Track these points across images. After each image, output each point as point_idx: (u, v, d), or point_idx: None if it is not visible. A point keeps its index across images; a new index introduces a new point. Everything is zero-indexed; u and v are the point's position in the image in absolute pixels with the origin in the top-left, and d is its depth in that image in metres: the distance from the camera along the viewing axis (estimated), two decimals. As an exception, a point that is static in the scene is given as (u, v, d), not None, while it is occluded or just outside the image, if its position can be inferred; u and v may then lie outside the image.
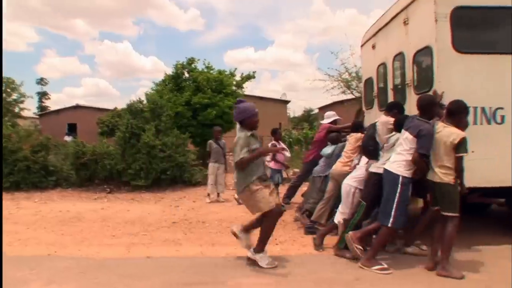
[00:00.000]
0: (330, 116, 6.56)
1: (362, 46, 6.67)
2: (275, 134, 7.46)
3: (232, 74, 15.05)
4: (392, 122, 4.15)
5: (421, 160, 3.59)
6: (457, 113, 3.63)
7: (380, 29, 5.72)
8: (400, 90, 5.27)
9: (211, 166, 7.99)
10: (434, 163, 3.62)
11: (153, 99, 11.01)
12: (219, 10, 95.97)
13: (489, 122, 4.26)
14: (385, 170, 3.79)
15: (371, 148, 4.28)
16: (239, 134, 3.94)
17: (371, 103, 6.37)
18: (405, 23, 4.86)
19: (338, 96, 14.95)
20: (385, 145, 4.11)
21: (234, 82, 14.93)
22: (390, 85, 5.53)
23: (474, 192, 4.22)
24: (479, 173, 4.07)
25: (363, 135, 4.72)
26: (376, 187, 3.94)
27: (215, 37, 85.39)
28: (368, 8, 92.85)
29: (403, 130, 3.78)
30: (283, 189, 7.45)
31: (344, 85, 14.27)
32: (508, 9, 4.28)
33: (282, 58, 78.89)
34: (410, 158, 3.62)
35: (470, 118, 4.06)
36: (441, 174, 3.56)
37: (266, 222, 3.88)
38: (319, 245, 4.47)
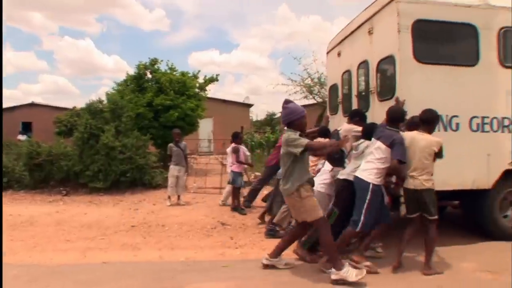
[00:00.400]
0: None
1: (328, 53, 6.94)
2: (236, 138, 7.57)
3: (195, 76, 15.03)
4: (357, 129, 4.35)
5: (401, 166, 3.79)
6: (431, 122, 3.92)
7: (345, 37, 5.98)
8: (364, 97, 5.54)
9: (172, 168, 7.99)
10: (410, 171, 3.83)
11: (114, 99, 10.75)
12: (185, 11, 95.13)
13: (445, 129, 4.60)
14: (356, 177, 3.94)
15: (337, 156, 4.44)
16: (288, 133, 3.82)
17: (336, 109, 6.63)
18: (370, 32, 5.14)
19: (300, 101, 15.36)
20: (353, 152, 4.25)
21: (197, 85, 14.92)
22: (354, 92, 5.79)
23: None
24: (438, 177, 4.36)
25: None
26: (348, 193, 4.08)
27: (180, 38, 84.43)
28: (332, 16, 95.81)
29: (373, 139, 3.96)
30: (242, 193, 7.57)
31: (306, 90, 14.66)
32: (465, 25, 4.67)
33: (246, 61, 79.41)
34: (381, 166, 3.80)
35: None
36: (423, 181, 3.78)
37: (322, 235, 3.67)
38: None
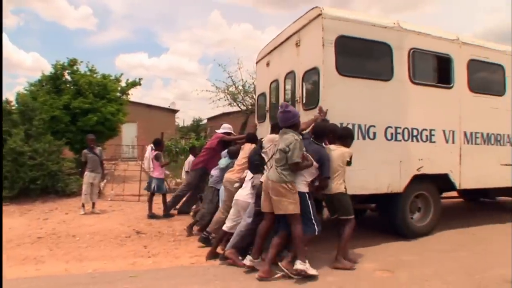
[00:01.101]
0: (225, 128, 6.95)
1: (257, 62, 7.27)
2: (159, 145, 7.67)
3: (118, 80, 14.63)
4: None
5: (327, 182, 4.20)
6: (348, 138, 4.51)
7: (274, 48, 6.34)
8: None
9: (87, 175, 7.82)
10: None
11: (24, 101, 10.05)
12: (113, 11, 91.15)
13: (364, 138, 5.10)
14: None
15: (257, 163, 4.67)
16: (290, 136, 3.97)
17: (264, 117, 6.94)
18: (297, 45, 5.53)
19: (224, 108, 15.71)
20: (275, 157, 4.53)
21: (119, 88, 14.51)
22: (281, 101, 6.12)
23: (353, 199, 4.92)
24: (357, 182, 4.84)
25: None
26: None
27: (107, 38, 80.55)
28: (263, 25, 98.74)
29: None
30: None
31: (231, 97, 15.01)
32: (381, 43, 5.25)
33: (176, 66, 78.35)
34: (308, 178, 4.13)
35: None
36: (337, 185, 4.27)
37: (297, 229, 3.94)
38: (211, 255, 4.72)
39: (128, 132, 21.30)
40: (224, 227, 4.80)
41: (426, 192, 5.69)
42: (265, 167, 4.57)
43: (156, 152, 7.48)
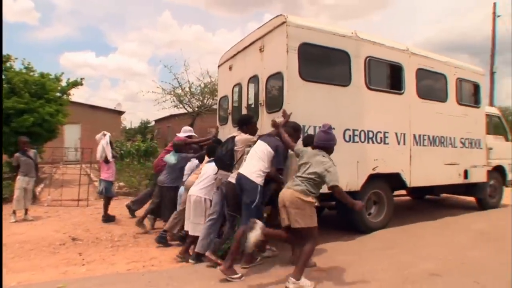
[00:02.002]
0: (186, 131, 7.20)
1: (219, 66, 7.59)
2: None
3: (58, 79, 14.23)
4: (252, 140, 4.98)
5: (279, 172, 4.52)
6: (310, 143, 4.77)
7: (238, 52, 6.69)
8: (253, 109, 6.27)
9: (20, 180, 7.68)
10: (288, 178, 4.55)
11: None
12: (57, 6, 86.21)
13: (325, 139, 5.60)
14: (245, 177, 4.44)
15: (228, 163, 4.95)
16: (327, 159, 4.01)
17: (225, 119, 7.27)
18: (261, 50, 5.91)
19: (170, 110, 15.83)
20: (244, 156, 4.90)
21: (59, 88, 14.12)
22: (244, 104, 6.50)
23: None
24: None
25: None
26: (237, 195, 4.62)
27: (51, 35, 76.13)
28: (214, 27, 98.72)
29: (261, 142, 4.63)
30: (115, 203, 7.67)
31: (177, 99, 15.17)
32: (340, 51, 5.81)
33: (124, 66, 75.93)
34: (264, 169, 4.44)
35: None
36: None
37: (311, 244, 3.88)
38: (183, 257, 4.95)
39: (71, 134, 20.83)
40: (190, 232, 5.02)
41: (381, 190, 6.35)
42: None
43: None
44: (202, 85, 15.81)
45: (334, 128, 4.66)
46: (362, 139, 5.98)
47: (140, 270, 4.63)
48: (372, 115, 6.09)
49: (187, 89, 15.58)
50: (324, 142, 4.15)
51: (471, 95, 7.98)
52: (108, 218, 7.31)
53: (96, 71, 75.03)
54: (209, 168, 5.20)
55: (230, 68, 7.03)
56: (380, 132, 6.20)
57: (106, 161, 7.47)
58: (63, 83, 14.37)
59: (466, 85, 7.81)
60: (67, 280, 4.21)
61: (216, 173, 5.02)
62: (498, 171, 8.87)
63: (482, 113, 8.23)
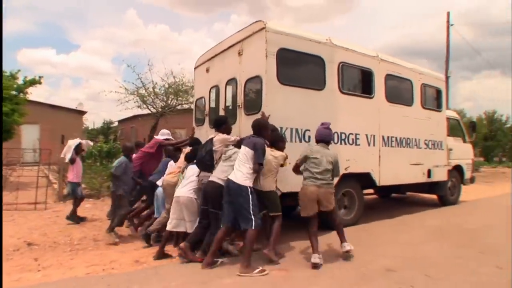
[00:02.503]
0: (164, 134, 7.46)
1: (195, 68, 7.82)
2: (77, 149, 7.79)
3: (14, 77, 13.89)
4: (231, 140, 5.27)
5: (258, 167, 4.79)
6: (278, 142, 5.21)
7: (215, 55, 6.96)
8: (231, 111, 6.55)
9: None
10: (262, 177, 4.92)
11: None
12: None
13: (300, 141, 5.96)
14: (232, 181, 4.68)
15: (209, 163, 5.22)
16: (333, 152, 5.13)
17: (202, 120, 7.52)
18: (240, 54, 6.21)
19: (133, 110, 15.79)
20: (222, 155, 5.17)
21: (15, 86, 13.79)
22: (222, 106, 6.77)
23: (289, 196, 5.68)
24: (294, 181, 5.64)
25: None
26: (219, 193, 4.87)
27: (5, 29, 72.17)
28: (180, 27, 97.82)
29: (242, 146, 4.91)
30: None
31: (140, 99, 15.15)
32: (316, 56, 6.21)
33: (87, 65, 73.66)
34: (250, 171, 4.71)
35: (288, 137, 5.68)
36: (270, 184, 4.96)
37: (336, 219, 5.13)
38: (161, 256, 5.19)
39: (29, 134, 20.25)
40: (169, 227, 5.25)
41: (352, 189, 6.80)
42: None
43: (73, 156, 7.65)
44: (167, 86, 15.88)
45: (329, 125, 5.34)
46: (336, 141, 6.38)
47: (99, 273, 4.59)
48: (345, 118, 6.52)
49: (150, 89, 15.58)
50: (326, 137, 5.14)
51: (434, 99, 8.65)
52: (74, 218, 7.39)
53: (57, 69, 72.80)
54: (192, 170, 5.43)
55: (207, 70, 7.28)
56: (352, 133, 6.66)
57: (71, 162, 7.58)
58: (20, 81, 14.02)
59: (429, 90, 8.46)
60: (20, 287, 4.13)
61: (198, 175, 5.28)
62: (457, 170, 9.66)
63: (444, 117, 8.91)
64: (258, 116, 5.57)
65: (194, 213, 5.21)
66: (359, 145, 6.77)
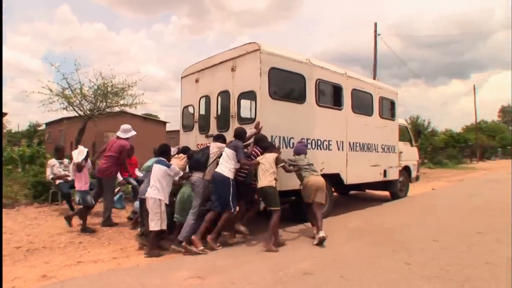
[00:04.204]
0: (127, 131, 8.00)
1: (183, 77, 8.92)
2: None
3: None
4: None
5: (246, 162, 6.15)
6: (270, 148, 6.48)
7: (206, 68, 8.13)
8: (223, 119, 7.74)
9: None
10: (262, 175, 6.23)
11: None
12: None
13: (286, 147, 7.34)
14: (219, 173, 6.04)
15: (204, 164, 6.44)
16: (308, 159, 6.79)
17: (191, 127, 8.65)
18: (233, 69, 7.44)
19: (57, 112, 14.99)
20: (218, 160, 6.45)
21: None
22: (214, 115, 7.95)
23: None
24: (280, 181, 6.99)
25: (186, 156, 6.74)
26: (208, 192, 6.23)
27: None
28: (118, 27, 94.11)
29: (226, 148, 6.25)
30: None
31: (66, 101, 14.44)
32: (298, 74, 7.63)
33: (14, 62, 68.47)
34: (232, 166, 6.06)
35: (277, 144, 7.04)
36: (268, 180, 6.21)
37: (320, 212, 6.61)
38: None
39: None
40: (153, 228, 5.80)
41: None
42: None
43: (78, 161, 7.29)
44: (95, 87, 15.10)
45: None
46: (313, 146, 7.89)
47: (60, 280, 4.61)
48: (320, 127, 8.04)
49: (78, 90, 14.76)
50: (303, 151, 6.91)
51: (389, 110, 10.56)
52: (88, 229, 7.23)
53: (-22, 65, 66.63)
54: (159, 169, 6.07)
55: (197, 80, 8.41)
56: (326, 140, 8.20)
57: (80, 169, 7.33)
58: None
59: (385, 102, 10.35)
60: None
61: (191, 175, 6.42)
62: (405, 170, 11.81)
63: (396, 124, 10.92)
64: (252, 126, 6.85)
65: (157, 215, 5.82)
66: (331, 150, 8.33)
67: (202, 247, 5.79)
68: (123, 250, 6.12)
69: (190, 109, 8.81)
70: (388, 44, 62.18)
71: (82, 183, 7.31)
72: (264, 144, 6.51)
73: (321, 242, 6.09)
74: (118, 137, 7.98)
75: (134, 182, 8.34)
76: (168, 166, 6.07)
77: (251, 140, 6.73)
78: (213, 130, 7.90)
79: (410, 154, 12.20)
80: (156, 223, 5.77)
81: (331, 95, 8.65)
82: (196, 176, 6.33)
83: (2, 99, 4.88)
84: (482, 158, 49.64)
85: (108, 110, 15.74)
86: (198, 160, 6.44)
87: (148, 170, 6.36)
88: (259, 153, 6.49)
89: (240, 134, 6.44)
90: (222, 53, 7.81)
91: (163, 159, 6.20)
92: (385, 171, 10.17)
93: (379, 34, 23.90)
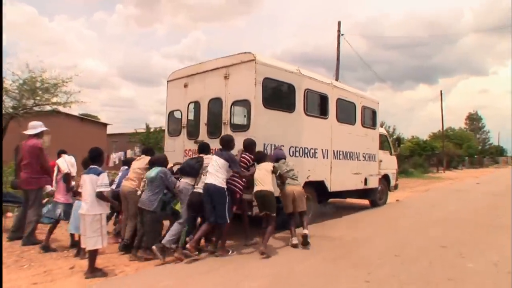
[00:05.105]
0: (36, 127, 7.09)
1: (170, 81, 9.14)
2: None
3: None
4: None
5: (240, 172, 6.46)
6: (264, 158, 6.89)
7: (196, 73, 8.40)
8: (214, 126, 8.01)
9: None
10: (261, 180, 6.58)
11: None
12: None
13: (277, 155, 7.75)
14: (213, 185, 6.18)
15: (196, 171, 6.64)
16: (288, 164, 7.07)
17: (178, 131, 8.89)
18: (226, 77, 7.75)
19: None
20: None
21: None
22: (204, 121, 8.21)
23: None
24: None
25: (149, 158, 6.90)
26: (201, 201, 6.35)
27: None
28: (51, 11, 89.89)
29: (215, 156, 6.41)
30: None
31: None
32: (289, 84, 8.06)
33: None
34: (224, 176, 6.27)
35: (269, 151, 7.42)
36: (269, 186, 6.58)
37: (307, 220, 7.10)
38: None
39: None
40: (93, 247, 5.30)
41: (310, 194, 8.76)
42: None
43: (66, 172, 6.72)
44: (21, 81, 13.95)
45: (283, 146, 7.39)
46: (301, 154, 8.35)
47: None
48: (307, 135, 8.52)
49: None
50: (284, 154, 7.44)
51: (370, 119, 11.20)
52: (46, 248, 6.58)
53: None
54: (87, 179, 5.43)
55: (186, 85, 8.66)
56: (312, 148, 8.68)
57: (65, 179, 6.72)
58: None
59: (367, 111, 10.98)
60: None
61: (179, 182, 6.60)
62: (385, 179, 12.50)
63: (377, 133, 11.60)
64: (245, 133, 7.19)
65: (96, 230, 5.26)
66: (317, 158, 8.81)
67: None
68: (47, 273, 5.36)
69: (177, 114, 9.04)
70: (352, 45, 62.98)
71: (68, 195, 6.73)
72: (258, 156, 6.81)
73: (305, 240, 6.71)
74: (28, 138, 7.05)
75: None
76: (98, 173, 5.32)
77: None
78: (203, 136, 8.16)
79: (390, 163, 12.96)
80: (96, 241, 5.20)
81: (318, 104, 9.13)
82: (184, 182, 6.53)
83: (2, 99, 4.87)
84: (449, 167, 49.85)
85: (36, 108, 14.52)
86: (192, 166, 6.61)
87: (152, 181, 6.29)
88: (250, 160, 6.78)
89: (228, 143, 6.57)
90: (214, 60, 8.11)
91: (95, 166, 5.44)
92: (365, 179, 10.79)
93: (342, 34, 23.35)
